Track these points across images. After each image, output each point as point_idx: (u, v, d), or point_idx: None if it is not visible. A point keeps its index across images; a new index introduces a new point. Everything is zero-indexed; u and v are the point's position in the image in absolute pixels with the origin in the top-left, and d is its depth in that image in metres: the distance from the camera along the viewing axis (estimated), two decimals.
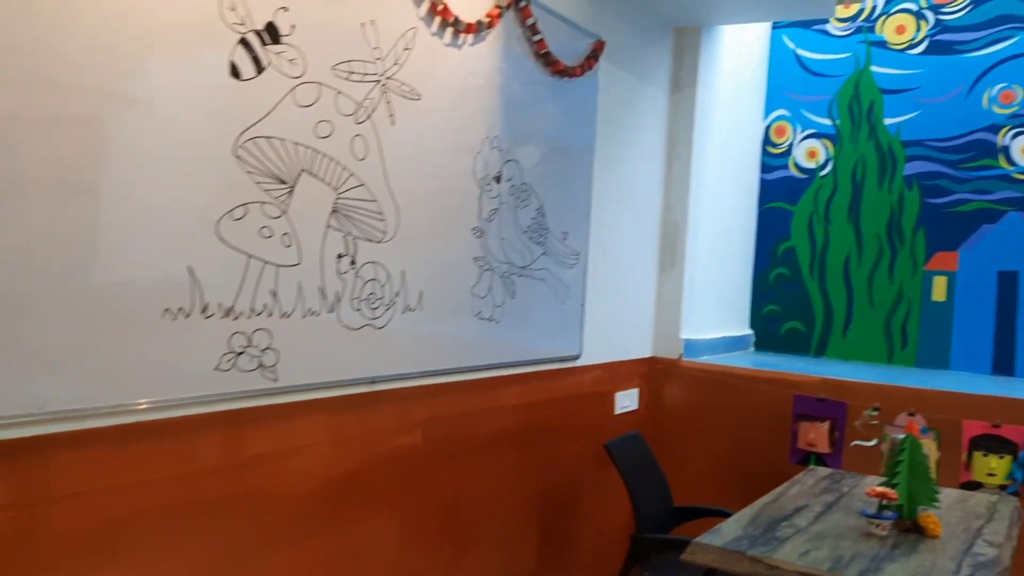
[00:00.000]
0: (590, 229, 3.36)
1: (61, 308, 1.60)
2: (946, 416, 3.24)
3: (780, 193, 4.69)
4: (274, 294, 2.02)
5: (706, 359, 4.05)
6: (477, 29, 2.62)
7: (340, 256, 2.20)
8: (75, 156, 1.61)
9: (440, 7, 2.46)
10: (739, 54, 4.39)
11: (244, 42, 1.92)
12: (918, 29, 4.36)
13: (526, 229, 2.96)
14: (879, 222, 4.43)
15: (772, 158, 4.73)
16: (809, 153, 4.62)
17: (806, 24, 4.61)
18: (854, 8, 4.49)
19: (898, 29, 4.41)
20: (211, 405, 1.91)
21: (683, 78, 4.00)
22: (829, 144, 4.57)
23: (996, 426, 3.18)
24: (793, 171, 4.66)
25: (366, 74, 2.25)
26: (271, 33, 1.98)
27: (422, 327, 2.51)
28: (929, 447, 2.97)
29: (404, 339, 2.44)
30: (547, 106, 3.05)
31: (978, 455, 3.20)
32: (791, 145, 4.67)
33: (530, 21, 2.87)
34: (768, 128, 4.74)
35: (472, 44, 2.64)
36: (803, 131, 4.63)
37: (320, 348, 2.17)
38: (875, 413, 3.31)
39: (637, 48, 3.70)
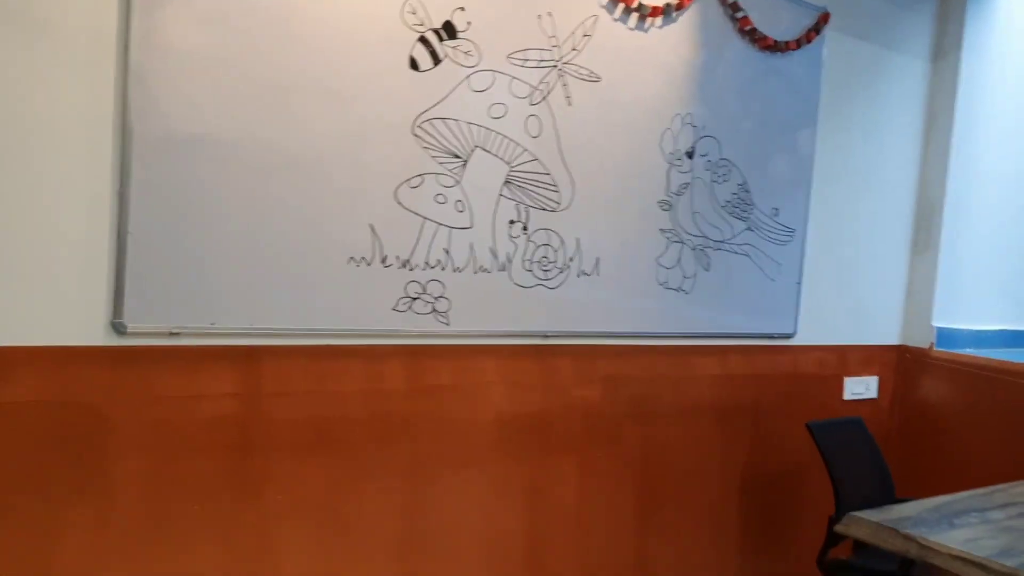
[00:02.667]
0: (809, 205, 3.28)
1: (270, 254, 2.11)
2: None
3: None
4: (447, 251, 2.39)
5: (971, 351, 3.67)
6: (664, 12, 2.76)
7: (512, 222, 2.51)
8: (283, 139, 2.11)
9: None
10: None
11: (423, 39, 2.31)
12: None
13: (724, 204, 3.01)
14: None
15: None
16: None
17: None
18: None
19: None
20: (390, 339, 2.33)
21: (947, 44, 3.68)
22: None
23: None
24: None
25: (541, 60, 2.52)
26: (448, 30, 2.35)
27: (598, 291, 2.71)
28: None
29: (579, 301, 2.67)
30: (755, 82, 3.06)
31: None
32: None
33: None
34: None
35: (660, 27, 2.78)
36: None
37: (491, 301, 2.49)
38: None
39: (884, 16, 3.50)
